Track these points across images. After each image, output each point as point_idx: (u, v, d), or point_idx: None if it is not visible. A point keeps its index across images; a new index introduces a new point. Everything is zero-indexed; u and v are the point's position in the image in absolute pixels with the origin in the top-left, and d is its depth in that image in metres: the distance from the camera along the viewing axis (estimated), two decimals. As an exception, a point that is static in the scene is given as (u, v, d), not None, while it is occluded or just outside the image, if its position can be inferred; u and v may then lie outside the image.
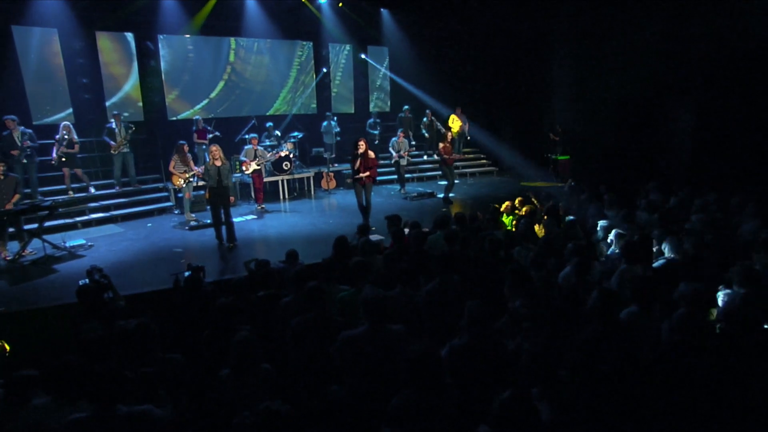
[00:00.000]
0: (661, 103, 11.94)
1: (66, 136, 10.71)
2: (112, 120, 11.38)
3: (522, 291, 4.29)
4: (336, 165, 14.48)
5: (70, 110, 12.27)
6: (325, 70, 15.49)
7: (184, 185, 10.31)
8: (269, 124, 13.45)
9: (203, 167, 10.11)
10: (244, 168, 11.19)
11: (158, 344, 3.88)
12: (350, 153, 9.47)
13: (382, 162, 15.01)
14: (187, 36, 13.48)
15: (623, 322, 3.80)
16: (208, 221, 9.81)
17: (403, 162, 12.72)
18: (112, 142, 11.34)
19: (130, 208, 11.31)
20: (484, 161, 16.53)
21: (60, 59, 11.97)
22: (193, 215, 10.91)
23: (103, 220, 10.68)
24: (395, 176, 13.59)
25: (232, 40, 14.13)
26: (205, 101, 13.97)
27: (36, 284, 7.23)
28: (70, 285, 6.97)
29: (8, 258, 8.23)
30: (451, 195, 11.62)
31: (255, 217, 10.67)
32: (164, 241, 9.03)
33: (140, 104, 13.13)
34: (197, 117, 12.60)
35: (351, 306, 4.42)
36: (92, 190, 11.37)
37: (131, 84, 13.02)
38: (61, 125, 10.79)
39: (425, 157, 15.77)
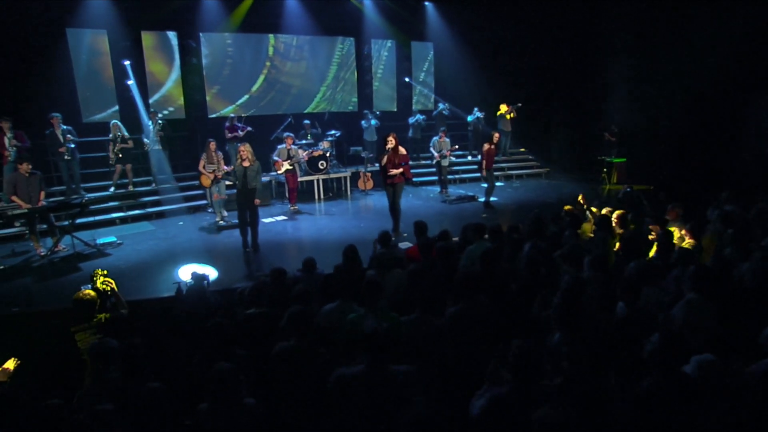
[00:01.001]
0: (738, 101, 10.57)
1: (119, 133, 10.73)
2: (150, 120, 11.34)
3: (565, 322, 3.52)
4: (375, 165, 13.91)
5: (116, 107, 12.35)
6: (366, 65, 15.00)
7: (212, 185, 10.00)
8: (306, 121, 13.04)
9: (232, 167, 9.82)
10: (276, 167, 10.80)
11: (143, 368, 3.42)
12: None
13: (423, 162, 14.39)
14: (227, 34, 13.28)
15: (693, 375, 2.96)
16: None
17: (445, 162, 11.95)
18: (146, 140, 11.27)
19: (166, 205, 11.18)
20: (533, 162, 15.47)
21: (108, 59, 12.12)
22: (226, 213, 10.62)
23: (138, 217, 10.59)
24: (436, 177, 12.84)
25: (272, 36, 13.82)
26: (245, 97, 13.72)
27: (59, 282, 7.03)
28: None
29: (42, 253, 8.18)
30: (493, 199, 10.76)
31: (286, 218, 10.24)
32: (189, 242, 8.73)
33: (181, 102, 13.06)
34: (232, 114, 12.34)
35: (357, 332, 3.79)
36: (130, 187, 11.34)
37: (173, 82, 12.96)
38: (111, 124, 10.81)
39: (469, 158, 14.92)
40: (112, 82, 12.25)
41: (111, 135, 10.78)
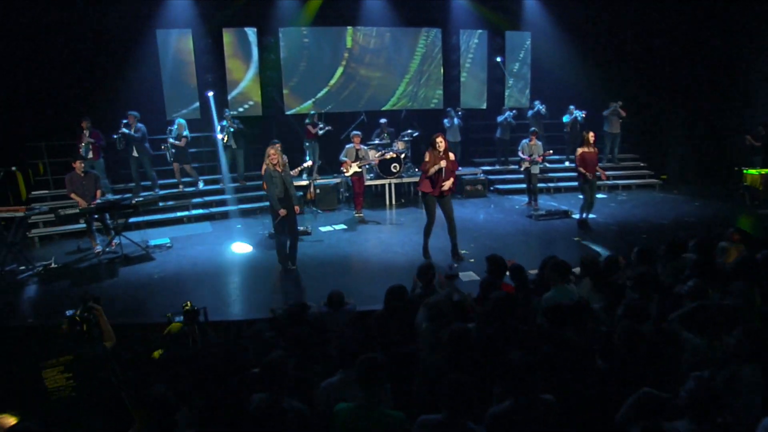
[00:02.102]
0: None
1: (178, 131, 10.48)
2: (225, 120, 10.94)
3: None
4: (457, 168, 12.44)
5: (197, 104, 12.20)
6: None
7: None
8: (383, 120, 11.91)
9: (299, 167, 9.01)
10: (343, 169, 9.79)
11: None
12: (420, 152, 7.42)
13: (511, 167, 12.62)
14: (304, 28, 12.55)
15: None
16: (301, 228, 8.63)
17: (535, 170, 10.16)
18: (217, 137, 10.88)
19: (231, 205, 10.69)
20: (644, 171, 12.98)
21: (191, 57, 12.02)
22: None
23: (201, 217, 10.20)
24: (524, 185, 11.10)
25: (350, 29, 12.83)
26: (323, 91, 12.89)
27: (93, 288, 6.61)
28: (119, 292, 6.25)
29: (97, 251, 7.95)
30: (591, 216, 8.83)
31: (346, 227, 9.19)
32: (232, 251, 8.02)
33: (258, 99, 12.60)
34: (312, 111, 11.57)
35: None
36: (201, 185, 11.02)
37: (249, 79, 12.52)
38: (177, 123, 10.58)
39: (566, 164, 12.87)
40: (194, 79, 12.12)
41: (175, 133, 10.53)
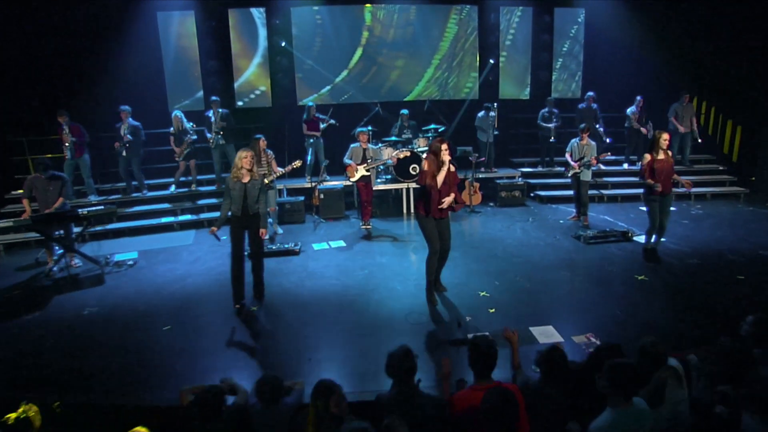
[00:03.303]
0: None
1: (182, 127, 8.92)
2: (211, 110, 9.23)
3: None
4: (486, 169, 10.26)
5: (201, 93, 10.63)
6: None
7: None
8: (404, 111, 9.86)
9: (285, 169, 7.26)
10: (348, 173, 7.87)
11: None
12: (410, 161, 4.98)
13: (557, 168, 10.28)
14: (317, 6, 10.61)
15: None
16: (288, 246, 6.86)
17: (586, 176, 7.85)
18: (208, 135, 9.21)
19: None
20: (724, 177, 10.29)
21: (194, 41, 10.50)
22: (281, 231, 8.12)
23: (189, 224, 8.60)
24: (572, 192, 8.82)
25: (369, 6, 10.78)
26: (341, 76, 10.96)
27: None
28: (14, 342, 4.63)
29: (48, 269, 6.52)
30: (661, 240, 6.51)
31: (344, 244, 7.27)
32: (206, 272, 6.26)
33: (266, 87, 10.85)
34: (310, 104, 9.67)
35: None
36: (172, 188, 9.36)
37: (257, 64, 10.77)
38: (172, 116, 9.00)
39: (625, 166, 10.38)
40: (197, 67, 10.55)
41: (173, 128, 8.95)
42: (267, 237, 7.63)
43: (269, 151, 7.51)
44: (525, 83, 11.66)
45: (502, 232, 7.58)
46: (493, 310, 4.83)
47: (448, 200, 4.92)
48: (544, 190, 9.82)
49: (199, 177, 9.68)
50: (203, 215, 8.74)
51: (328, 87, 10.97)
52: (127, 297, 5.60)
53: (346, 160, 7.84)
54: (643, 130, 9.77)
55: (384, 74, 11.08)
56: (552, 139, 10.00)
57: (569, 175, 7.99)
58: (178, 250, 7.29)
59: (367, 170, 7.77)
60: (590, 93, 10.09)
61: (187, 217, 8.70)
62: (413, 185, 9.05)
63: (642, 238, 6.98)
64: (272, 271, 6.16)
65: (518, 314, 4.75)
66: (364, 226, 7.97)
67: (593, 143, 7.86)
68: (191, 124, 9.12)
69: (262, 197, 5.14)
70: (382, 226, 8.23)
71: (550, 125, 9.94)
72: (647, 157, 5.90)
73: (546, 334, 4.33)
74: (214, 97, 9.29)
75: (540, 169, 10.42)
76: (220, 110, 9.13)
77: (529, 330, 4.39)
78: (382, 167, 9.12)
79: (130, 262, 6.70)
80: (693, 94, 9.95)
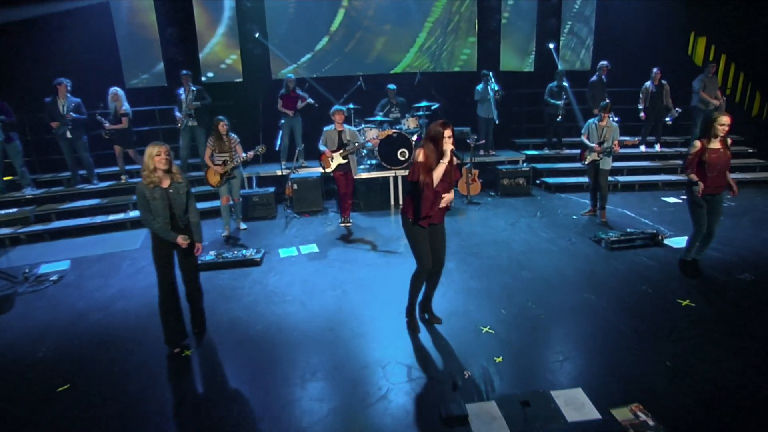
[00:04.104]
0: None
1: (115, 107, 7.41)
2: (183, 88, 7.74)
3: None
4: (484, 153, 8.85)
5: (161, 66, 9.08)
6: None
7: (222, 183, 6.17)
8: (392, 86, 8.38)
9: (247, 154, 5.94)
10: (322, 163, 6.47)
11: None
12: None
13: (566, 151, 8.88)
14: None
15: None
16: (248, 254, 5.49)
17: (606, 164, 6.45)
18: (177, 114, 7.74)
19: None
20: (755, 160, 8.91)
21: (151, 3, 8.81)
22: (245, 226, 6.80)
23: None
24: (586, 180, 7.50)
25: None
26: (321, 44, 9.39)
27: None
28: None
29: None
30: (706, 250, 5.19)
31: (316, 250, 5.93)
32: (145, 291, 4.85)
33: (235, 58, 9.29)
34: (289, 75, 8.14)
35: None
36: (123, 178, 7.95)
37: (221, 35, 9.19)
38: (109, 92, 7.47)
39: (642, 149, 8.97)
40: (155, 34, 8.94)
41: (111, 107, 7.46)
42: (225, 234, 6.39)
43: (233, 135, 6.15)
44: (528, 53, 10.12)
45: (505, 232, 6.24)
46: (500, 359, 3.55)
47: (448, 198, 3.62)
48: (551, 176, 8.44)
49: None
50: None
51: (308, 56, 9.42)
52: (28, 333, 4.27)
53: (321, 146, 6.42)
54: (674, 111, 8.27)
55: (369, 42, 9.52)
56: (559, 118, 8.57)
57: (586, 163, 6.61)
58: (120, 258, 5.94)
59: (344, 158, 6.36)
60: (603, 62, 8.59)
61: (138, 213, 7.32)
62: (402, 173, 7.66)
63: (674, 241, 5.71)
64: (223, 291, 4.85)
65: (533, 366, 3.47)
66: (343, 223, 6.63)
67: (615, 124, 6.44)
68: (128, 108, 7.58)
69: (192, 203, 3.79)
70: (365, 223, 6.89)
71: (558, 102, 8.49)
72: (697, 145, 4.50)
73: (574, 404, 3.06)
74: (185, 71, 7.76)
75: (546, 151, 9.01)
76: (193, 86, 7.64)
77: (549, 395, 3.12)
78: (364, 151, 7.71)
79: (54, 277, 5.36)
80: (728, 59, 8.47)
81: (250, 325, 4.18)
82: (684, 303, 4.27)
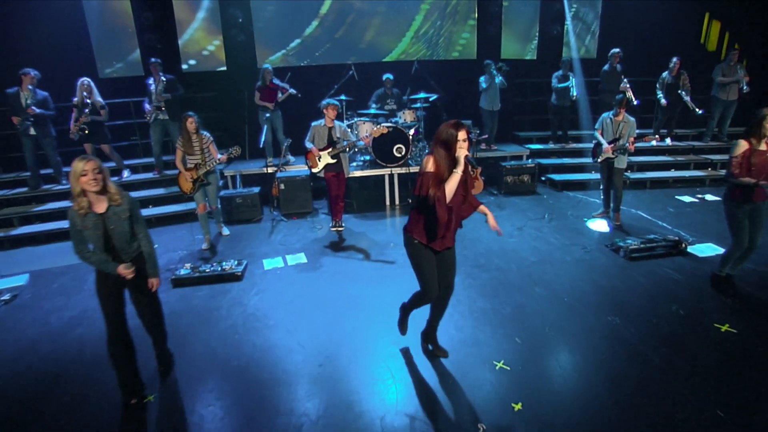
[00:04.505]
0: None
1: (87, 99, 6.64)
2: (152, 77, 6.98)
3: None
4: (486, 147, 8.21)
5: (137, 53, 8.30)
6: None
7: (196, 189, 5.46)
8: (388, 75, 7.68)
9: (226, 153, 5.28)
10: (309, 162, 5.80)
11: None
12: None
13: (571, 145, 8.25)
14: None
15: None
16: (228, 266, 4.83)
17: (621, 163, 5.83)
18: (147, 107, 7.01)
19: (161, 207, 6.99)
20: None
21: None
22: (227, 231, 6.14)
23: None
24: (597, 176, 6.92)
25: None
26: (310, 29, 8.63)
27: None
28: None
29: None
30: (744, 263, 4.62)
31: (304, 261, 5.27)
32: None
33: (217, 44, 8.53)
34: (266, 66, 7.41)
35: None
36: (126, 174, 7.29)
37: (203, 18, 8.41)
38: (78, 83, 6.69)
39: (653, 143, 8.29)
40: (130, 19, 8.15)
41: (76, 99, 6.68)
42: (205, 247, 5.72)
43: (205, 134, 5.38)
44: (531, 38, 9.42)
45: (513, 239, 5.64)
46: (519, 405, 2.97)
47: (493, 223, 3.14)
48: (558, 172, 7.83)
49: (131, 161, 7.57)
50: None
51: (297, 41, 8.67)
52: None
53: (307, 143, 5.74)
54: (695, 109, 7.68)
55: (362, 26, 8.77)
56: (574, 95, 7.94)
57: (599, 160, 6.00)
58: (87, 270, 5.22)
59: (333, 157, 5.69)
60: (615, 50, 7.93)
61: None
62: (398, 170, 7.01)
63: (698, 249, 5.14)
64: (198, 313, 4.22)
65: (558, 416, 2.89)
66: (334, 228, 5.99)
67: (632, 119, 5.81)
68: (100, 99, 6.82)
69: (140, 229, 3.09)
70: (358, 226, 6.26)
71: (567, 83, 7.84)
72: (743, 144, 3.87)
73: (615, 472, 2.50)
74: (153, 59, 7.01)
75: (551, 145, 8.38)
76: (163, 76, 6.89)
77: (584, 458, 2.55)
78: (355, 149, 7.03)
79: (6, 296, 4.70)
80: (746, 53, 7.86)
81: (226, 361, 3.56)
82: (723, 328, 3.70)
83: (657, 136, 6.32)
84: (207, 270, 4.82)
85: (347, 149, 5.67)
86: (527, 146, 8.27)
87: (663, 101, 7.84)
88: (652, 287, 4.39)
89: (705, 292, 4.27)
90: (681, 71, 7.75)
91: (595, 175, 7.57)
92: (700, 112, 7.68)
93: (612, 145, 5.78)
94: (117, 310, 3.07)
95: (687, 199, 6.95)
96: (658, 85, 7.91)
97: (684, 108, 7.91)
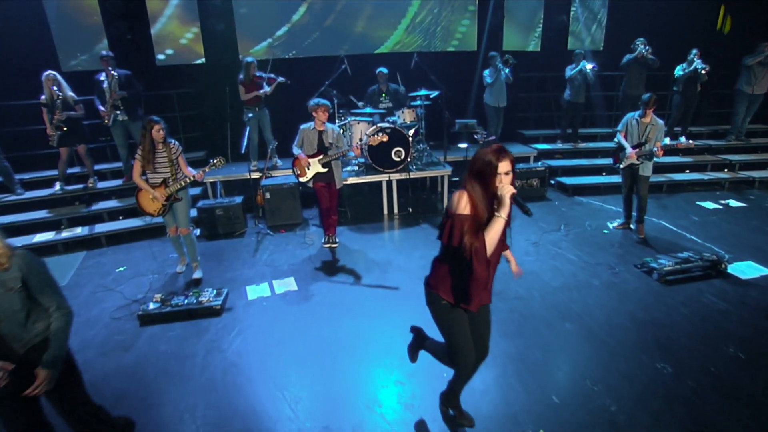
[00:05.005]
0: None
1: (59, 94, 5.75)
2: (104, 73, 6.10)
3: None
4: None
5: (105, 43, 7.39)
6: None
7: (165, 212, 4.59)
8: (382, 69, 6.90)
9: (198, 173, 4.48)
10: (296, 170, 5.05)
11: None
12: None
13: (581, 145, 7.58)
14: None
15: None
16: (205, 299, 4.08)
17: (647, 170, 5.17)
18: (100, 107, 6.14)
19: (134, 219, 6.17)
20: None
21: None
22: (199, 274, 5.21)
23: (78, 244, 5.71)
24: (613, 179, 6.28)
25: None
26: (302, 10, 7.73)
27: None
28: None
29: None
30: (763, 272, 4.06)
31: (294, 287, 4.49)
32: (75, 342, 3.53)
33: (195, 33, 7.65)
34: (249, 59, 6.54)
35: None
36: (57, 186, 6.27)
37: (178, 2, 7.51)
38: (43, 78, 5.77)
39: (667, 140, 7.70)
40: (95, 7, 7.23)
41: (44, 96, 5.80)
42: (180, 270, 4.95)
43: (173, 142, 4.47)
44: (533, 28, 8.69)
45: (530, 257, 4.96)
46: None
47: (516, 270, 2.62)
48: (568, 175, 7.18)
49: (99, 167, 6.71)
50: (101, 228, 5.85)
51: (285, 28, 7.82)
52: None
53: (295, 149, 4.97)
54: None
55: (353, 12, 7.94)
56: (576, 99, 7.29)
57: (621, 167, 5.34)
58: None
59: (324, 165, 4.93)
60: (641, 40, 7.19)
61: (77, 232, 5.80)
62: (397, 176, 6.28)
63: (737, 269, 4.53)
64: (166, 362, 3.48)
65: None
66: (327, 244, 5.27)
67: (660, 122, 5.16)
68: (72, 94, 5.98)
69: (50, 299, 2.17)
70: (353, 241, 5.54)
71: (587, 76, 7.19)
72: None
73: None
74: (105, 52, 6.13)
75: (560, 145, 7.72)
76: (116, 72, 6.03)
77: None
78: (348, 157, 6.26)
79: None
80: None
81: (199, 432, 2.85)
82: (794, 378, 3.10)
83: (691, 142, 5.60)
84: (180, 303, 4.07)
85: (339, 157, 4.93)
86: (533, 146, 7.59)
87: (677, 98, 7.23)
88: (698, 321, 3.77)
89: (759, 326, 3.66)
90: (699, 60, 7.10)
91: (610, 178, 6.97)
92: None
93: (637, 150, 5.13)
94: (16, 416, 2.13)
95: (710, 205, 6.36)
96: (682, 71, 7.20)
97: (699, 104, 7.31)
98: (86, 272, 5.02)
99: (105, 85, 5.98)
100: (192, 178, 4.39)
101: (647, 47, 7.04)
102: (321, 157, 4.87)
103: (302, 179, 4.97)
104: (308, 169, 4.92)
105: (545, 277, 4.51)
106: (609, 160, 7.15)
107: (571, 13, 8.57)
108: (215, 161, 4.38)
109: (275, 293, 4.41)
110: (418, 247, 5.24)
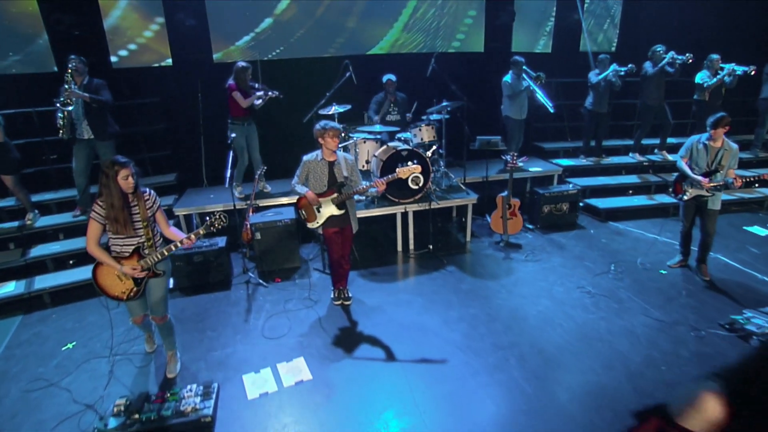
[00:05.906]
0: None
1: None
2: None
3: None
4: (522, 163, 6.54)
5: (46, 39, 5.94)
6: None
7: (135, 297, 3.18)
8: (389, 77, 5.74)
9: (189, 236, 3.16)
10: (303, 214, 3.91)
11: None
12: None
13: (602, 160, 6.66)
14: None
15: None
16: (190, 407, 2.87)
17: (716, 204, 4.27)
18: (59, 117, 4.79)
19: (89, 264, 4.86)
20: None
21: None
22: (177, 369, 3.93)
23: (11, 304, 4.39)
24: (646, 202, 5.44)
25: None
26: (281, 6, 6.54)
27: None
28: None
29: None
30: None
31: (309, 377, 3.32)
32: None
33: (162, 25, 6.28)
34: (243, 63, 5.23)
35: None
36: (31, 216, 5.02)
37: (137, -10, 6.12)
38: None
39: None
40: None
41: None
42: (149, 350, 3.73)
43: (147, 191, 3.09)
44: (543, 25, 7.74)
45: (592, 315, 4.00)
46: None
47: None
48: (596, 195, 6.30)
49: (39, 197, 5.31)
50: (43, 282, 4.51)
51: (269, 21, 6.53)
52: None
53: (298, 187, 3.81)
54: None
55: (342, 11, 6.75)
56: (599, 109, 6.41)
57: (685, 198, 4.47)
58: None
59: (339, 206, 3.81)
60: (661, 47, 6.39)
61: (9, 289, 4.44)
62: (415, 207, 5.19)
63: None
64: None
65: None
66: (338, 302, 4.17)
67: (734, 146, 4.30)
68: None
69: None
70: (368, 294, 4.42)
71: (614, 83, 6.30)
72: None
73: None
74: (73, 56, 4.75)
75: (584, 161, 6.82)
76: (85, 78, 4.69)
77: None
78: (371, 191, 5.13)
79: None
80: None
81: None
82: None
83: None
84: (153, 417, 2.89)
85: (359, 193, 3.82)
86: (555, 162, 6.67)
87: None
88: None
89: None
90: (721, 67, 6.34)
91: (643, 200, 6.14)
92: None
93: (707, 179, 4.27)
94: None
95: (761, 231, 5.62)
96: (696, 95, 6.48)
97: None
98: (18, 353, 3.72)
99: (62, 87, 4.62)
100: (180, 244, 3.09)
101: (671, 53, 6.21)
102: (335, 195, 3.75)
103: (311, 225, 3.84)
104: (319, 211, 3.79)
105: (621, 347, 3.57)
106: (633, 178, 6.45)
107: (585, 4, 7.66)
108: (214, 219, 3.08)
109: (283, 385, 3.28)
110: (453, 304, 4.19)
